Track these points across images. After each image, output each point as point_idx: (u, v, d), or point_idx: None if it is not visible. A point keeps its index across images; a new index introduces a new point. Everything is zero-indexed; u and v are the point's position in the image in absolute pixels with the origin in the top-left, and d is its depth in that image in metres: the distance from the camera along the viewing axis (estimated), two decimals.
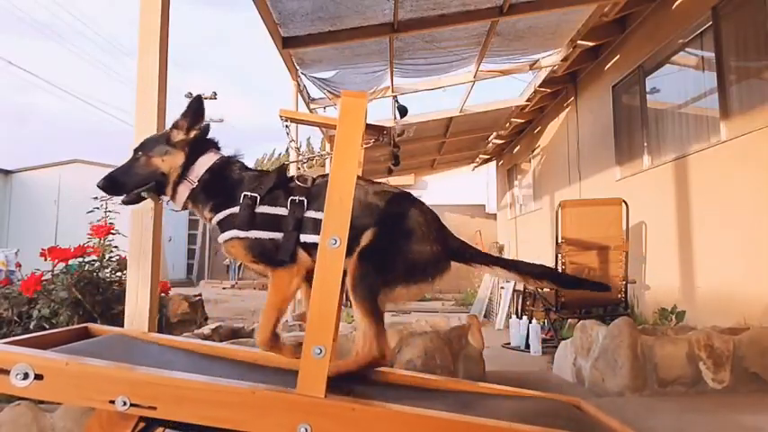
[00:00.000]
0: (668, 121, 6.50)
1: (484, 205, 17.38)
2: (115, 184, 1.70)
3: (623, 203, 5.14)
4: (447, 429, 1.37)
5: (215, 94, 29.37)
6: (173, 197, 1.72)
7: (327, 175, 1.55)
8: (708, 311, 5.08)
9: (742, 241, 4.84)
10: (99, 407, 1.32)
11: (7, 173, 20.72)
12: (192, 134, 1.71)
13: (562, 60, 7.64)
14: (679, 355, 3.38)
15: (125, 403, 1.25)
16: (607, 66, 7.80)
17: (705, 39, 5.55)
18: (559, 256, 4.96)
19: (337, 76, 7.14)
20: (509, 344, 5.49)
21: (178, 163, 1.69)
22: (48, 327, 2.81)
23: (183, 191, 1.69)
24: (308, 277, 1.58)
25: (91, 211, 3.42)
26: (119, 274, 3.14)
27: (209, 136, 1.78)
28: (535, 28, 6.48)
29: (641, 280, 6.24)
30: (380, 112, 9.22)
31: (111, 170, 1.73)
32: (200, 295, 5.19)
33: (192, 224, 23.04)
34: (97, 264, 3.12)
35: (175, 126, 1.72)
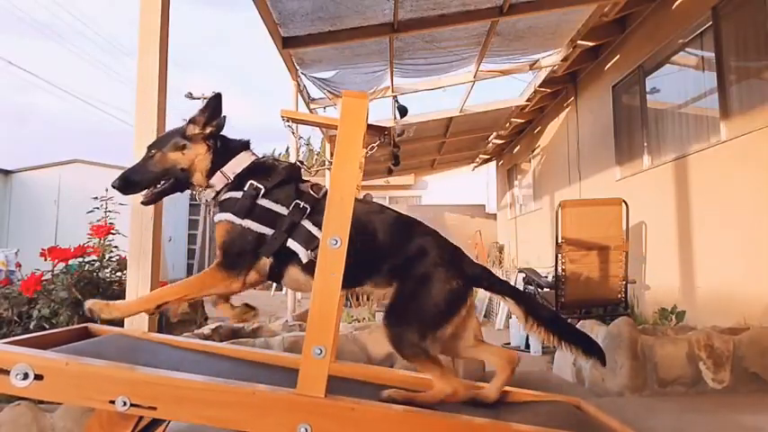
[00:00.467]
0: (668, 121, 6.50)
1: (484, 205, 17.37)
2: (130, 183, 1.68)
3: (623, 203, 5.14)
4: (447, 429, 1.37)
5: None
6: (204, 189, 1.71)
7: None
8: (708, 311, 5.08)
9: (742, 241, 4.84)
10: (99, 407, 1.32)
11: (7, 173, 20.71)
12: (209, 130, 1.70)
13: (562, 60, 7.64)
14: (679, 355, 3.38)
15: (125, 403, 1.25)
16: (607, 66, 7.79)
17: (705, 39, 5.55)
18: (559, 256, 4.96)
19: (337, 76, 7.14)
20: (509, 344, 5.48)
21: (201, 155, 1.69)
22: (48, 327, 2.81)
23: (218, 184, 1.69)
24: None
25: (91, 211, 3.42)
26: (119, 274, 3.15)
27: (228, 134, 1.77)
28: (535, 28, 6.48)
29: (641, 280, 6.23)
30: (380, 112, 9.23)
31: (125, 170, 1.71)
32: None
33: (192, 224, 23.03)
34: (97, 264, 3.12)
35: (192, 121, 1.71)
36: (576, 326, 3.83)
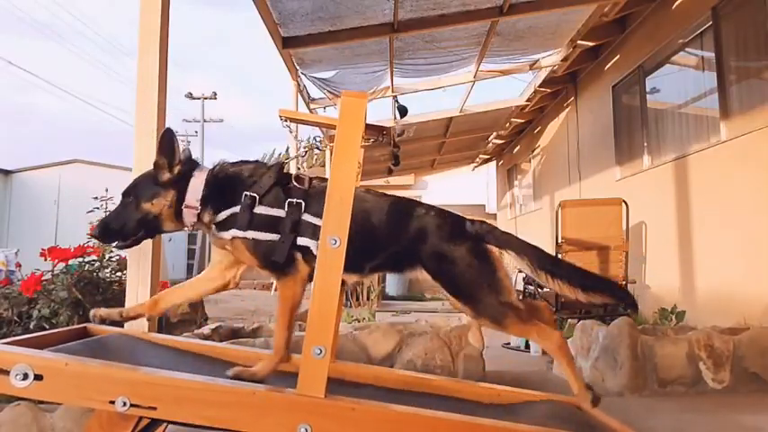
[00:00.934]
0: (668, 121, 6.50)
1: (484, 205, 17.37)
2: (109, 231, 1.70)
3: (623, 203, 5.14)
4: (447, 429, 1.37)
5: (215, 94, 29.38)
6: (176, 228, 1.71)
7: (326, 179, 1.55)
8: (708, 311, 5.08)
9: (742, 241, 4.84)
10: (99, 407, 1.32)
11: (7, 173, 20.71)
12: (176, 170, 1.67)
13: (562, 60, 7.64)
14: (679, 355, 3.37)
15: (125, 404, 1.25)
16: (607, 66, 7.79)
17: (705, 39, 5.55)
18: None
19: (337, 76, 7.14)
20: (509, 344, 5.48)
21: (169, 201, 1.66)
22: (48, 327, 2.81)
23: (190, 218, 1.67)
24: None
25: (91, 211, 3.42)
26: (119, 274, 3.14)
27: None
28: (535, 28, 6.48)
29: (641, 280, 6.23)
30: (380, 112, 9.24)
31: (104, 217, 1.73)
32: None
33: None
34: (97, 264, 3.12)
35: (157, 166, 1.68)
36: (576, 326, 3.84)
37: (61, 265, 3.01)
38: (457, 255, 1.61)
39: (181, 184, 1.67)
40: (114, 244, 1.76)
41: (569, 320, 5.44)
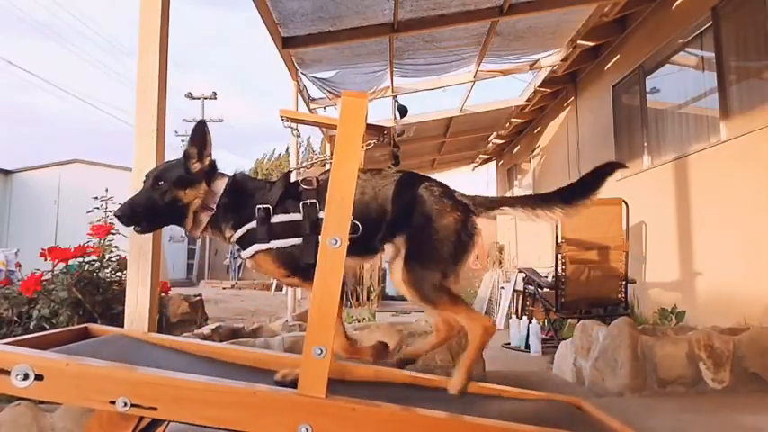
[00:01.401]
0: (668, 121, 6.50)
1: None
2: (135, 214, 1.65)
3: (623, 203, 5.14)
4: (447, 429, 1.37)
5: (215, 94, 29.40)
6: (192, 226, 1.69)
7: (328, 171, 1.56)
8: (708, 311, 5.08)
9: (742, 241, 4.84)
10: (99, 407, 1.32)
11: (7, 173, 20.72)
12: (207, 161, 1.69)
13: (562, 60, 7.64)
14: (679, 355, 3.37)
15: (125, 404, 1.25)
16: (607, 66, 7.79)
17: (705, 39, 5.55)
18: (559, 256, 4.96)
19: (337, 76, 7.14)
20: (509, 344, 5.49)
21: (200, 193, 1.66)
22: (48, 327, 2.81)
23: (204, 219, 1.67)
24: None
25: (91, 211, 3.42)
26: (119, 274, 3.14)
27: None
28: (535, 28, 6.48)
29: (641, 280, 6.23)
30: (380, 112, 9.22)
31: (129, 199, 1.67)
32: (200, 295, 5.18)
33: None
34: (97, 264, 3.12)
35: (188, 155, 1.67)
36: (576, 326, 3.84)
37: (61, 265, 3.01)
38: (443, 224, 1.63)
39: (207, 180, 1.68)
40: (131, 228, 1.71)
41: (569, 320, 5.44)
